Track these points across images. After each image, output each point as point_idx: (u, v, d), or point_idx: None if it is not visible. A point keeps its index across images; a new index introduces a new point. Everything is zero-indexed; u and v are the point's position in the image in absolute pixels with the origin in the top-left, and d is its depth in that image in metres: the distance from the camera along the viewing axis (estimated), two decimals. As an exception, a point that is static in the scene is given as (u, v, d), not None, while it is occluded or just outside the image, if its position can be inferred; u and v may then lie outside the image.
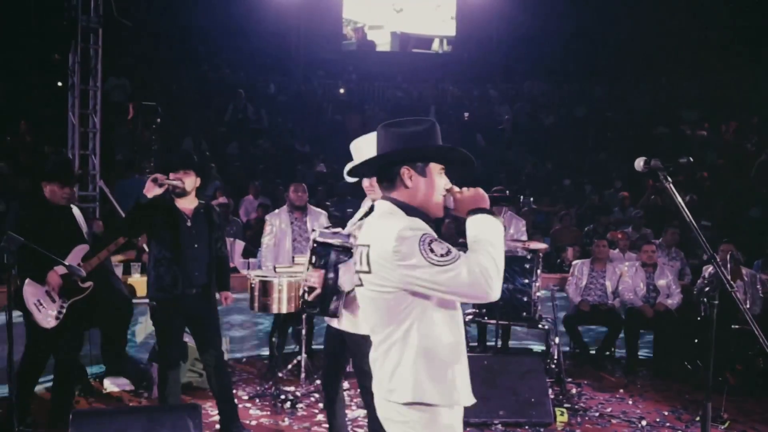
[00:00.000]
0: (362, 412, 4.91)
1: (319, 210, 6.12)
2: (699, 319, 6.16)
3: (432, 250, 1.96)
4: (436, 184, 2.16)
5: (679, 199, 2.24)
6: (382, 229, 2.09)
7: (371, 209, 3.82)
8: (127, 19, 8.37)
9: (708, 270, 6.63)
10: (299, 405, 5.07)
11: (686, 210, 2.21)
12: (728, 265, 6.06)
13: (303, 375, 5.37)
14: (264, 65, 15.66)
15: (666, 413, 5.15)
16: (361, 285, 2.17)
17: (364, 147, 3.75)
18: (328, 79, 16.24)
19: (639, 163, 2.41)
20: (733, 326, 5.88)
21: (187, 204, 4.12)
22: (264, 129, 13.86)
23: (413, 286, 2.01)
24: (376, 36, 18.33)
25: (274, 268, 5.19)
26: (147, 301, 4.36)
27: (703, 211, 8.59)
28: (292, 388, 5.38)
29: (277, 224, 5.87)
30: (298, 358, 5.47)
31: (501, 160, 13.62)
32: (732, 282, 6.37)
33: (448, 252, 1.97)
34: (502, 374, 4.71)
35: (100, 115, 7.97)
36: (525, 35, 16.40)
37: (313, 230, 3.64)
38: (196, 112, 13.47)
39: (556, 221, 9.65)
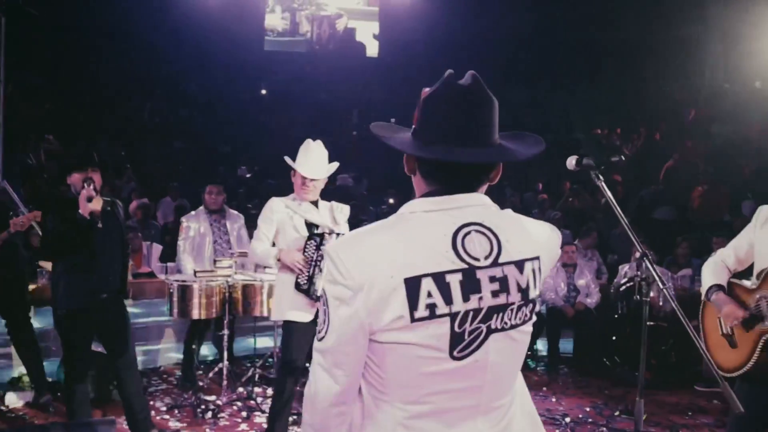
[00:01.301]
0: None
1: (236, 213, 5.93)
2: (616, 317, 6.38)
3: None
4: None
5: (611, 196, 2.25)
6: (541, 233, 1.54)
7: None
8: (36, 8, 7.86)
9: (624, 269, 6.89)
10: (221, 415, 4.86)
11: (618, 208, 2.22)
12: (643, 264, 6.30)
13: (225, 383, 5.15)
14: (185, 64, 15.15)
15: (588, 409, 5.28)
16: (529, 319, 1.47)
17: (316, 151, 3.88)
18: (250, 80, 15.89)
19: (571, 162, 2.41)
20: (648, 323, 6.12)
21: (95, 204, 3.86)
22: (184, 129, 13.40)
23: None
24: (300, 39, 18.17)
25: (195, 272, 4.97)
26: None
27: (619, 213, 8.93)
28: (213, 397, 5.16)
29: (196, 227, 5.65)
30: (220, 365, 5.24)
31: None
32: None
33: None
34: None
35: (3, 110, 7.42)
36: (447, 40, 16.66)
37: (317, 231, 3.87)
38: (112, 110, 12.85)
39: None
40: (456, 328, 1.35)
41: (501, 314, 1.39)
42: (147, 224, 7.81)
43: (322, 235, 3.77)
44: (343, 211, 4.03)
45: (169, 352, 6.25)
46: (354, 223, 3.89)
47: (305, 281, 3.74)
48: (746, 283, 3.00)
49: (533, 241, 1.48)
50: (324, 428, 1.44)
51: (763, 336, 2.79)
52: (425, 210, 1.42)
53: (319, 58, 17.67)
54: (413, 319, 1.33)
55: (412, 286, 1.33)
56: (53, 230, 3.78)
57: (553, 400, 5.53)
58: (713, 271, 3.11)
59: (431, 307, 1.33)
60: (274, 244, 3.91)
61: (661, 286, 2.15)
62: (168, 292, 4.90)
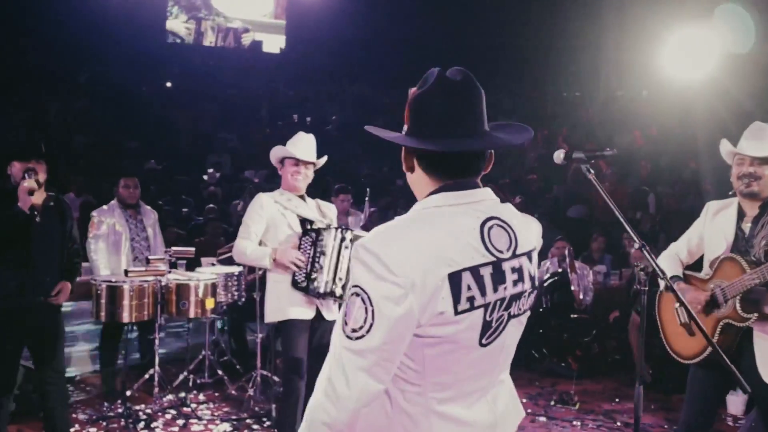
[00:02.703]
0: (227, 426, 4.56)
1: (149, 209, 5.59)
2: (541, 310, 6.59)
3: None
4: None
5: (602, 189, 2.28)
6: (532, 226, 1.68)
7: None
8: None
9: (546, 264, 7.14)
10: (154, 424, 4.56)
11: (611, 200, 2.26)
12: (566, 260, 6.56)
13: (156, 390, 4.84)
14: (80, 54, 14.17)
15: (524, 400, 5.40)
16: (532, 305, 1.61)
17: (306, 139, 3.81)
18: (153, 73, 15.14)
19: (559, 156, 2.41)
20: (572, 315, 6.39)
21: (36, 197, 3.52)
22: (83, 122, 12.52)
23: None
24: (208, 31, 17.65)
25: (126, 271, 4.62)
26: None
27: (533, 211, 9.27)
28: (142, 406, 4.84)
29: (111, 223, 5.25)
30: (150, 371, 4.92)
31: (331, 160, 13.65)
32: (568, 274, 6.75)
33: None
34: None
35: None
36: (353, 40, 16.75)
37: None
38: (5, 100, 11.82)
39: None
40: (487, 317, 1.44)
41: (517, 301, 1.51)
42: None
43: (318, 231, 3.60)
44: (329, 207, 3.91)
45: (84, 359, 5.79)
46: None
47: (303, 279, 3.56)
48: (699, 274, 3.17)
49: (531, 233, 1.61)
50: (348, 428, 1.42)
51: (720, 321, 2.96)
52: (450, 204, 1.47)
53: (226, 53, 17.26)
54: (456, 312, 1.39)
55: (455, 281, 1.38)
56: None
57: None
58: (669, 264, 3.26)
59: (471, 299, 1.40)
60: (260, 243, 3.71)
61: (661, 276, 2.21)
62: (95, 294, 4.52)
